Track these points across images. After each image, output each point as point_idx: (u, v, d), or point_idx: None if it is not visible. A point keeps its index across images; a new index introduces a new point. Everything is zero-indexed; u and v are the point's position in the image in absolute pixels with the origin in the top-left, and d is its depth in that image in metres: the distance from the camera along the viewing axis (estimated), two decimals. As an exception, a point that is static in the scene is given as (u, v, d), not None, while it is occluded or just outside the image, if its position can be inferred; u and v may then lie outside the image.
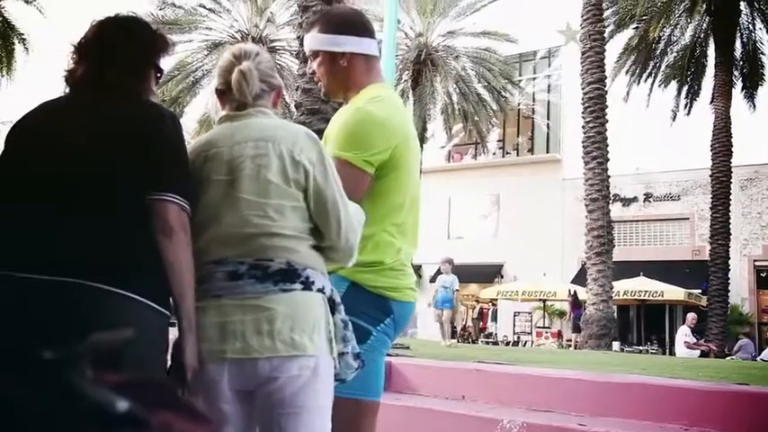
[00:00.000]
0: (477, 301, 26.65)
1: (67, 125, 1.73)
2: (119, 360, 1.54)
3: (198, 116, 22.01)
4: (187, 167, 1.79)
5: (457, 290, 11.74)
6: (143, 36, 1.89)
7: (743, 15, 20.48)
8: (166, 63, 1.99)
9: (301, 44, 8.41)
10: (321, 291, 1.79)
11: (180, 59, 20.26)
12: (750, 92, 21.50)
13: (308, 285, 1.76)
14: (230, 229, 1.76)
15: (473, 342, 22.87)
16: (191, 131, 24.81)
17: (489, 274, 25.24)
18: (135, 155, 1.68)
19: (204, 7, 20.38)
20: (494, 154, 28.74)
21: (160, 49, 1.93)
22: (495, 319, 25.76)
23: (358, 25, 2.18)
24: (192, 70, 20.42)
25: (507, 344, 21.94)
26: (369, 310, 2.01)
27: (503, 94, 23.92)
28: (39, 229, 1.62)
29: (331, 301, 1.82)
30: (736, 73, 20.93)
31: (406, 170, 2.08)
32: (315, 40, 2.17)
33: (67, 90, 1.84)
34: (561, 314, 22.99)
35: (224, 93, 1.94)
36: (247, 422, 1.78)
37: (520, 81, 26.59)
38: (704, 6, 20.18)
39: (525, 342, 22.79)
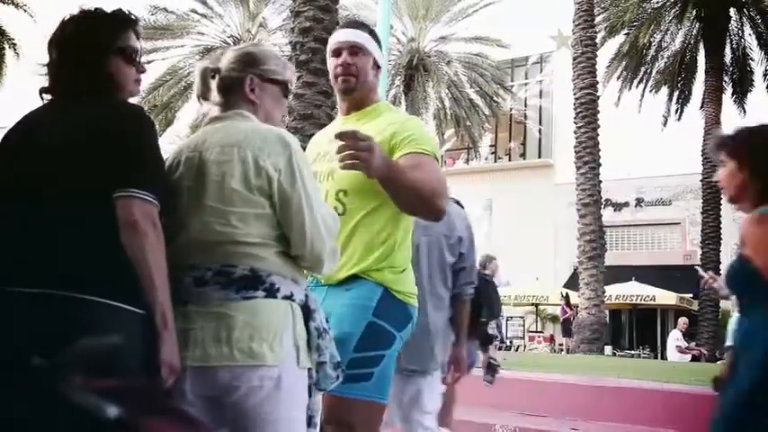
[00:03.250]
0: (470, 306, 26.58)
1: (40, 133, 1.71)
2: (105, 366, 1.54)
3: (190, 121, 21.95)
4: (155, 165, 1.74)
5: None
6: (88, 24, 1.82)
7: (732, 21, 20.62)
8: (156, 67, 1.94)
9: (293, 49, 8.42)
10: (289, 298, 1.75)
11: (172, 64, 20.20)
12: (740, 97, 21.64)
13: (271, 292, 1.72)
14: (196, 235, 1.75)
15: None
16: (183, 137, 24.79)
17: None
18: (101, 158, 1.64)
19: (196, 12, 20.34)
20: (486, 159, 28.80)
21: (112, 30, 1.83)
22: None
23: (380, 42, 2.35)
24: (183, 75, 20.35)
25: (500, 348, 21.94)
26: (397, 315, 2.05)
27: (495, 99, 23.99)
28: (9, 240, 1.62)
29: (305, 309, 1.79)
30: (726, 78, 21.07)
31: None
32: (371, 43, 2.25)
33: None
34: (554, 318, 23.02)
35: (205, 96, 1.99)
36: (216, 427, 1.73)
37: (512, 86, 26.69)
38: (694, 12, 20.31)
39: (518, 347, 22.78)
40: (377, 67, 2.27)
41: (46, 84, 1.82)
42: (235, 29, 20.46)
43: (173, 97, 20.06)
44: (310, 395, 1.80)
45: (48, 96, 1.81)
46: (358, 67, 2.21)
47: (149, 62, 18.44)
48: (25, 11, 18.83)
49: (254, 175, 1.74)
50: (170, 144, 28.58)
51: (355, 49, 2.22)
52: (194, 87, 1.95)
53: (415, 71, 23.41)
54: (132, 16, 1.87)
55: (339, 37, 2.26)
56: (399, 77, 23.90)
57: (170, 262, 1.68)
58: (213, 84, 1.93)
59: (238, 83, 1.92)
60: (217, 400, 1.68)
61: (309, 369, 1.77)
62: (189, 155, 1.83)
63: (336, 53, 2.25)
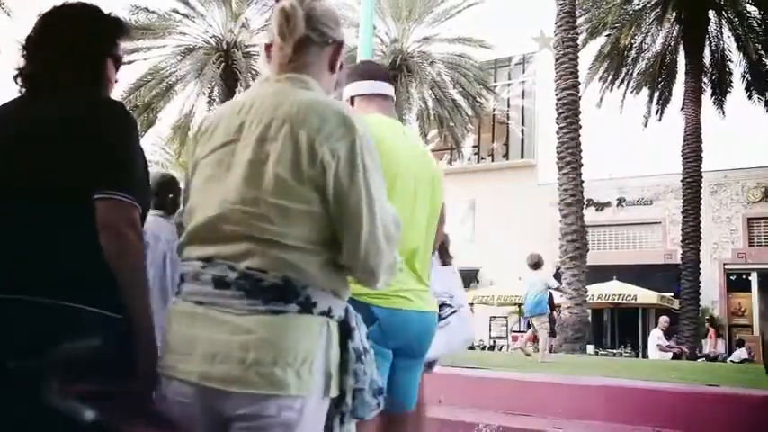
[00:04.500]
0: (454, 306, 26.69)
1: (10, 130, 1.66)
2: (83, 370, 1.51)
3: (172, 122, 21.82)
4: (137, 167, 1.68)
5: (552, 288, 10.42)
6: (90, 25, 1.78)
7: (711, 24, 20.85)
8: (138, 67, 1.92)
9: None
10: (326, 314, 1.45)
11: (153, 65, 20.08)
12: (719, 98, 21.91)
13: (306, 307, 1.42)
14: (219, 224, 1.45)
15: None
16: (164, 138, 24.65)
17: (465, 278, 25.14)
18: (82, 158, 1.60)
19: (178, 12, 20.24)
20: (469, 159, 28.90)
21: (112, 34, 1.81)
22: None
23: (354, 74, 2.49)
24: (165, 75, 20.24)
25: (483, 348, 22.02)
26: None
27: (478, 99, 24.08)
28: None
29: (344, 326, 1.50)
30: (705, 80, 21.31)
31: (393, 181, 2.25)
32: (392, 90, 2.51)
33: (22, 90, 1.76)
34: (537, 318, 23.13)
35: (269, 48, 1.63)
36: None
37: (495, 87, 26.79)
38: (674, 15, 20.52)
39: (501, 346, 22.88)
40: (351, 100, 2.46)
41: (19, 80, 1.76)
42: (217, 29, 20.40)
43: (154, 98, 19.94)
44: (342, 423, 1.51)
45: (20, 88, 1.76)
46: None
47: (130, 62, 18.30)
48: (2, 9, 18.59)
49: (307, 161, 1.42)
50: (152, 145, 28.50)
51: (350, 101, 2.45)
52: (276, 25, 1.57)
53: (398, 72, 23.43)
54: (125, 24, 1.86)
55: (369, 88, 2.45)
56: (383, 78, 23.86)
57: (184, 250, 1.53)
58: (294, 29, 1.57)
59: (325, 44, 1.63)
60: (222, 424, 1.41)
61: (343, 396, 1.48)
62: (227, 123, 1.52)
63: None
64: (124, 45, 1.89)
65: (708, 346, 17.73)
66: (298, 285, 1.42)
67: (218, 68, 19.55)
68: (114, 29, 1.82)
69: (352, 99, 2.44)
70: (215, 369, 1.38)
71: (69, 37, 1.74)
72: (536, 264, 10.04)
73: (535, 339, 22.05)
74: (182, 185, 2.05)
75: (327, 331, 1.45)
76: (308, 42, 1.59)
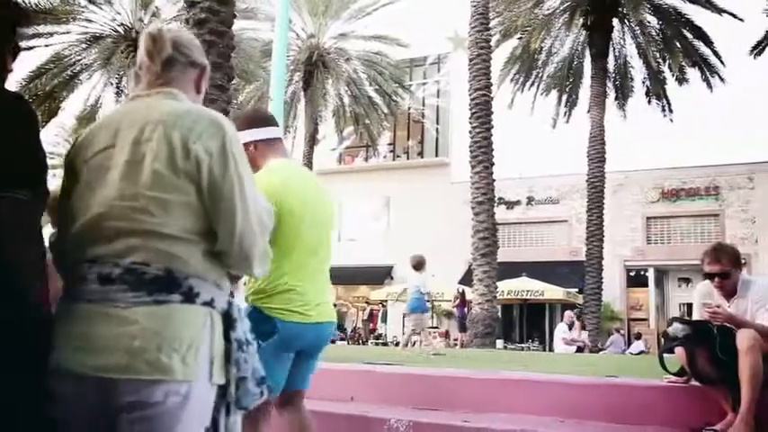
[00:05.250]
0: (368, 303, 26.86)
1: None
2: None
3: (76, 112, 20.86)
4: (37, 163, 1.63)
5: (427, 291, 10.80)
6: (5, 19, 1.72)
7: (615, 31, 21.85)
8: (38, 54, 1.83)
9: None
10: (209, 304, 1.56)
11: (56, 52, 19.10)
12: (621, 102, 23.03)
13: (189, 297, 1.53)
14: (101, 222, 1.54)
15: (363, 343, 23.02)
16: (68, 129, 23.53)
17: (380, 275, 25.52)
18: None
19: (83, -3, 19.36)
20: (384, 157, 29.11)
21: (10, 22, 1.75)
22: (384, 320, 26.05)
23: (258, 121, 2.83)
24: (69, 64, 19.30)
25: (397, 344, 22.23)
26: (260, 326, 2.37)
27: (393, 98, 24.29)
28: None
29: (227, 317, 1.61)
30: (609, 84, 22.33)
31: (295, 217, 2.63)
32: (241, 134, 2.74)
33: None
34: (449, 314, 23.59)
35: (138, 75, 1.77)
36: None
37: (410, 86, 27.10)
38: (581, 21, 21.35)
39: (414, 342, 23.15)
40: (255, 145, 2.76)
41: None
42: (126, 17, 19.62)
43: (57, 87, 18.99)
44: (228, 413, 1.61)
45: None
46: None
47: (30, 48, 17.34)
48: None
49: (181, 157, 1.55)
50: (55, 136, 27.16)
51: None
52: (144, 49, 1.72)
53: (314, 67, 23.31)
54: (25, 11, 1.79)
55: (271, 133, 2.82)
56: (299, 73, 23.72)
57: (71, 254, 1.57)
58: (162, 49, 1.73)
59: (190, 66, 1.78)
60: (113, 414, 1.47)
61: (227, 385, 1.59)
62: (104, 133, 1.63)
63: None
64: (22, 30, 1.82)
65: (568, 337, 18.66)
66: (180, 276, 1.53)
67: (127, 58, 18.79)
68: (13, 16, 1.76)
69: (255, 144, 2.77)
70: (107, 360, 1.45)
71: None
72: (416, 265, 10.69)
73: (447, 335, 22.41)
74: None
75: (210, 321, 1.56)
76: (174, 61, 1.74)
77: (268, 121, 2.87)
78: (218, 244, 1.60)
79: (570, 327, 16.37)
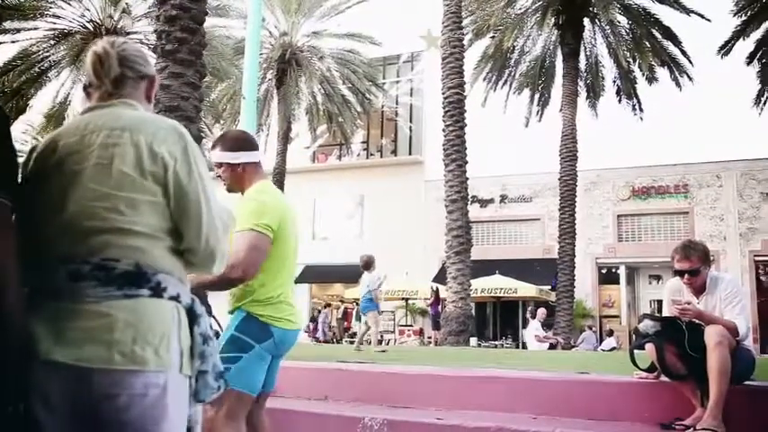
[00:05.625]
0: (342, 302, 26.83)
1: None
2: None
3: (44, 109, 20.50)
4: (7, 161, 1.61)
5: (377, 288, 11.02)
6: None
7: (586, 31, 22.08)
8: (5, 50, 1.79)
9: (158, 38, 8.09)
10: (175, 299, 1.64)
11: (23, 48, 18.75)
12: (593, 101, 23.28)
13: (157, 292, 1.60)
14: (74, 221, 1.60)
15: (337, 342, 23.00)
16: (36, 126, 23.12)
17: (354, 274, 25.38)
18: None
19: (51, -8, 19.00)
20: (358, 155, 29.09)
21: None
22: (359, 318, 26.04)
23: (248, 144, 3.06)
24: (36, 60, 18.96)
25: (370, 342, 22.25)
26: (255, 331, 2.81)
27: (367, 96, 24.26)
28: None
29: (191, 312, 1.69)
30: (580, 83, 22.55)
31: (287, 233, 2.91)
32: (220, 156, 3.00)
33: None
34: (423, 312, 23.67)
35: (88, 89, 1.82)
36: None
37: (384, 84, 27.13)
38: (553, 20, 21.53)
39: (389, 340, 23.19)
40: (238, 166, 2.99)
41: None
42: (95, 13, 19.30)
43: (24, 83, 18.65)
44: (189, 405, 1.69)
45: None
46: (224, 177, 3.02)
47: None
48: None
49: (148, 159, 1.63)
50: (23, 133, 26.63)
51: (217, 165, 3.03)
52: (91, 67, 1.79)
53: (287, 65, 23.20)
54: None
55: (257, 156, 3.05)
56: (271, 71, 23.59)
57: (41, 253, 1.60)
58: (110, 69, 1.79)
59: (140, 78, 1.84)
60: (91, 407, 1.51)
61: (189, 378, 1.66)
62: (69, 140, 1.68)
63: (218, 166, 3.04)
64: None
65: (529, 335, 18.93)
66: (149, 271, 1.60)
67: (96, 55, 18.50)
68: None
69: (244, 166, 3.00)
70: (83, 351, 1.50)
71: None
72: (365, 265, 10.85)
73: (421, 333, 22.47)
74: None
75: (177, 315, 1.64)
76: (124, 79, 1.80)
77: (255, 145, 3.13)
78: (185, 242, 1.69)
79: (542, 324, 16.53)
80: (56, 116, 20.42)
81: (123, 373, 1.51)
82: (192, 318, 1.69)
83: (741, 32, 19.92)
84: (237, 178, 3.00)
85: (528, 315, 16.59)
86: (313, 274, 25.37)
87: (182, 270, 1.71)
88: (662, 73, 21.66)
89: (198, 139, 9.00)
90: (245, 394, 2.80)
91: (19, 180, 1.68)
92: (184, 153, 1.69)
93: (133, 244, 1.60)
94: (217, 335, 2.76)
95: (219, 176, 3.05)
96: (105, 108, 1.75)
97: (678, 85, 21.69)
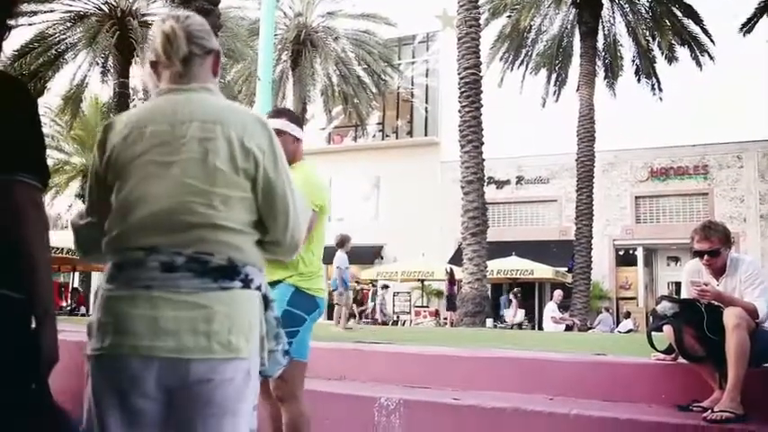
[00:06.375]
0: (358, 282, 26.93)
1: None
2: None
3: (62, 91, 20.61)
4: (39, 145, 1.67)
5: (346, 268, 11.24)
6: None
7: (605, 9, 21.77)
8: (22, 33, 1.81)
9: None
10: (258, 288, 1.73)
11: (40, 30, 18.83)
12: (611, 81, 23.01)
13: (247, 284, 1.68)
14: (168, 215, 1.63)
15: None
16: (54, 108, 23.27)
17: (370, 255, 25.55)
18: None
19: (66, -25, 19.03)
20: (373, 136, 29.02)
21: (7, 2, 1.79)
22: (374, 299, 26.15)
23: (301, 121, 3.40)
24: (53, 43, 19.05)
25: (386, 324, 22.36)
26: (305, 304, 3.09)
27: (382, 77, 24.16)
28: None
29: (265, 299, 1.77)
30: (598, 63, 22.29)
31: (326, 213, 3.21)
32: (285, 125, 3.19)
33: None
34: (439, 293, 23.69)
35: (156, 64, 1.81)
36: (166, 420, 1.65)
37: (399, 65, 26.95)
38: (570, -1, 21.27)
39: (404, 321, 23.30)
40: (296, 139, 3.23)
41: None
42: (110, -5, 19.33)
43: (42, 66, 18.75)
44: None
45: None
46: (283, 147, 2.97)
47: (13, 27, 17.07)
48: None
49: (240, 155, 1.68)
50: (42, 116, 26.79)
51: (276, 132, 2.89)
52: (161, 47, 1.76)
53: (302, 46, 23.13)
54: None
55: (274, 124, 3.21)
56: (286, 52, 23.53)
57: (119, 241, 1.63)
58: (178, 48, 1.77)
59: (206, 54, 1.83)
60: (184, 390, 1.60)
61: (262, 357, 1.77)
62: (156, 127, 1.69)
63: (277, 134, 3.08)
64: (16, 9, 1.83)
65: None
66: (239, 265, 1.66)
67: (113, 37, 18.54)
68: None
69: (298, 140, 3.26)
70: (181, 342, 1.56)
71: None
72: (339, 243, 10.89)
73: (436, 314, 22.49)
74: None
75: (260, 303, 1.73)
76: (192, 57, 1.78)
77: (301, 123, 3.43)
78: (271, 235, 1.76)
79: (559, 305, 16.51)
80: (73, 98, 20.53)
81: (220, 361, 1.60)
82: (267, 303, 1.77)
83: (764, 9, 19.51)
84: (294, 150, 3.19)
85: (557, 299, 16.51)
86: (328, 256, 25.43)
87: (262, 260, 1.78)
88: (682, 52, 21.36)
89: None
90: (304, 363, 3.10)
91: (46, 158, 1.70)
92: (270, 145, 1.75)
93: (226, 240, 1.65)
94: None
95: None
96: (186, 93, 1.76)
97: (698, 64, 21.36)
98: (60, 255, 15.75)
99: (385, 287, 23.17)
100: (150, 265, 1.60)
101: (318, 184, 3.17)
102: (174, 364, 1.58)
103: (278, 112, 3.32)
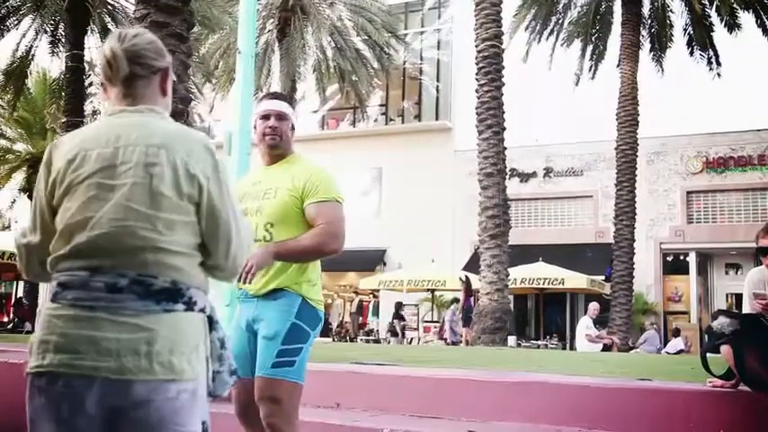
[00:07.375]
0: (356, 293, 26.96)
1: None
2: None
3: (2, 65, 20.61)
4: None
5: None
6: None
7: (651, -32, 21.72)
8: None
9: (138, 3, 8.11)
10: (202, 311, 2.02)
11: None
12: (658, 54, 22.90)
13: (190, 306, 1.96)
14: (112, 238, 1.89)
15: (351, 340, 23.14)
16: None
17: (370, 261, 25.57)
18: None
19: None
20: (375, 121, 29.05)
21: None
22: (376, 313, 26.16)
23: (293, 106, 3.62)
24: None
25: (389, 342, 22.37)
26: (311, 317, 3.21)
27: (386, 50, 24.16)
28: None
29: (210, 320, 2.06)
30: (643, 33, 22.21)
31: None
32: (290, 110, 3.47)
33: None
34: (446, 304, 23.66)
35: (105, 84, 2.11)
36: None
37: (405, 35, 26.95)
38: (610, -44, 21.22)
39: (411, 339, 23.30)
40: (293, 128, 3.48)
41: None
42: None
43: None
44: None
45: None
46: (282, 129, 3.40)
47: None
48: None
49: (185, 181, 1.96)
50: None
51: (280, 116, 3.42)
52: (102, 69, 2.08)
53: (291, 14, 23.14)
54: None
55: (268, 105, 3.44)
56: (272, 21, 23.57)
57: (63, 261, 1.90)
58: (118, 70, 2.06)
59: (152, 74, 2.10)
60: (125, 411, 1.84)
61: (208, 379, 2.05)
62: (101, 150, 1.97)
63: (266, 117, 3.42)
64: None
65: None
66: (183, 287, 1.95)
67: (64, 1, 18.53)
68: None
69: (293, 125, 3.50)
70: (123, 363, 1.83)
71: None
72: None
73: (440, 331, 22.49)
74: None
75: (205, 325, 2.02)
76: (134, 77, 2.07)
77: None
78: (213, 259, 2.06)
79: (595, 321, 16.47)
80: (17, 73, 20.52)
81: (161, 382, 1.86)
82: (211, 325, 2.06)
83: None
84: (288, 138, 3.45)
85: (592, 313, 16.46)
86: (323, 262, 25.44)
87: (205, 282, 2.07)
88: (745, 18, 21.11)
89: (186, 100, 9.01)
90: (301, 386, 3.19)
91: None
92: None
93: (170, 262, 1.93)
94: None
95: (271, 127, 3.41)
96: (132, 116, 2.04)
97: (765, 32, 21.08)
98: (0, 260, 15.38)
99: (399, 305, 23.16)
100: (94, 285, 1.88)
101: (331, 177, 3.38)
102: (116, 385, 1.83)
103: (277, 95, 3.56)
